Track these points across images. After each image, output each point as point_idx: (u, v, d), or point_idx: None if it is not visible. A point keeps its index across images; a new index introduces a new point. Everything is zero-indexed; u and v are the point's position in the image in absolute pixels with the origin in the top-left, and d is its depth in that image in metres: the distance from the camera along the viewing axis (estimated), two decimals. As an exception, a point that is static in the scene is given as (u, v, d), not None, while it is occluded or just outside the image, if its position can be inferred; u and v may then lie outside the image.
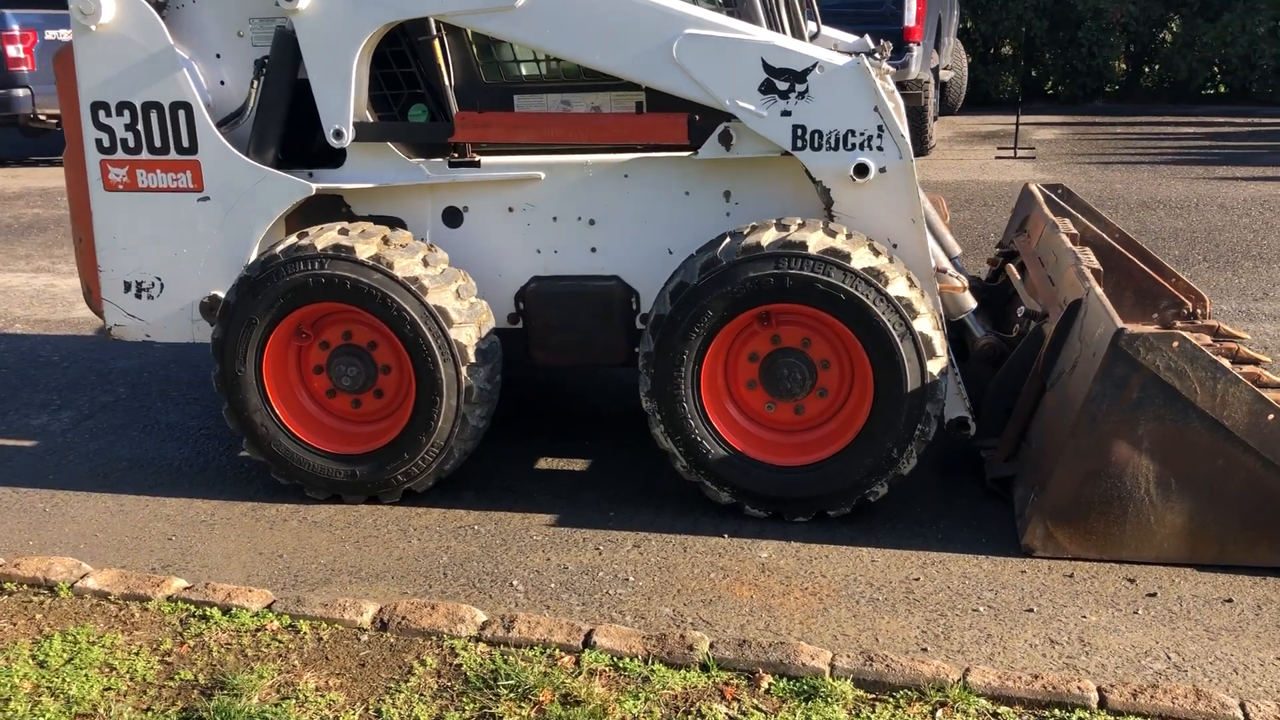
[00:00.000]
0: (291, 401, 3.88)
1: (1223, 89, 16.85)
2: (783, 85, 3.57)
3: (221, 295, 4.01)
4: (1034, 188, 5.22)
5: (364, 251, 3.65)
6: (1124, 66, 16.92)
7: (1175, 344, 3.16)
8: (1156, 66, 16.93)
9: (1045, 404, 3.65)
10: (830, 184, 3.63)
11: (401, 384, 3.85)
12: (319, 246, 3.66)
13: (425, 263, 3.73)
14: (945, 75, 13.07)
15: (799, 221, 3.54)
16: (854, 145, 3.59)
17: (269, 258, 3.71)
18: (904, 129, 3.59)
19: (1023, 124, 11.51)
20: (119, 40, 3.87)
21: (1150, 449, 3.24)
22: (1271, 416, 3.16)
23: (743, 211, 3.81)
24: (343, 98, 3.80)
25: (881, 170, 3.59)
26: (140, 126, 3.95)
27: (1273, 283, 6.31)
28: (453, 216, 3.99)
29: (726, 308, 3.48)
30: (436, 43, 3.83)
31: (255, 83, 3.93)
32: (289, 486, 3.92)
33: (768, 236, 3.45)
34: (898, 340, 3.41)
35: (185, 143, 3.93)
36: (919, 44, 10.08)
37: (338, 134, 3.84)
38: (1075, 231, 4.39)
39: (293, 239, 3.74)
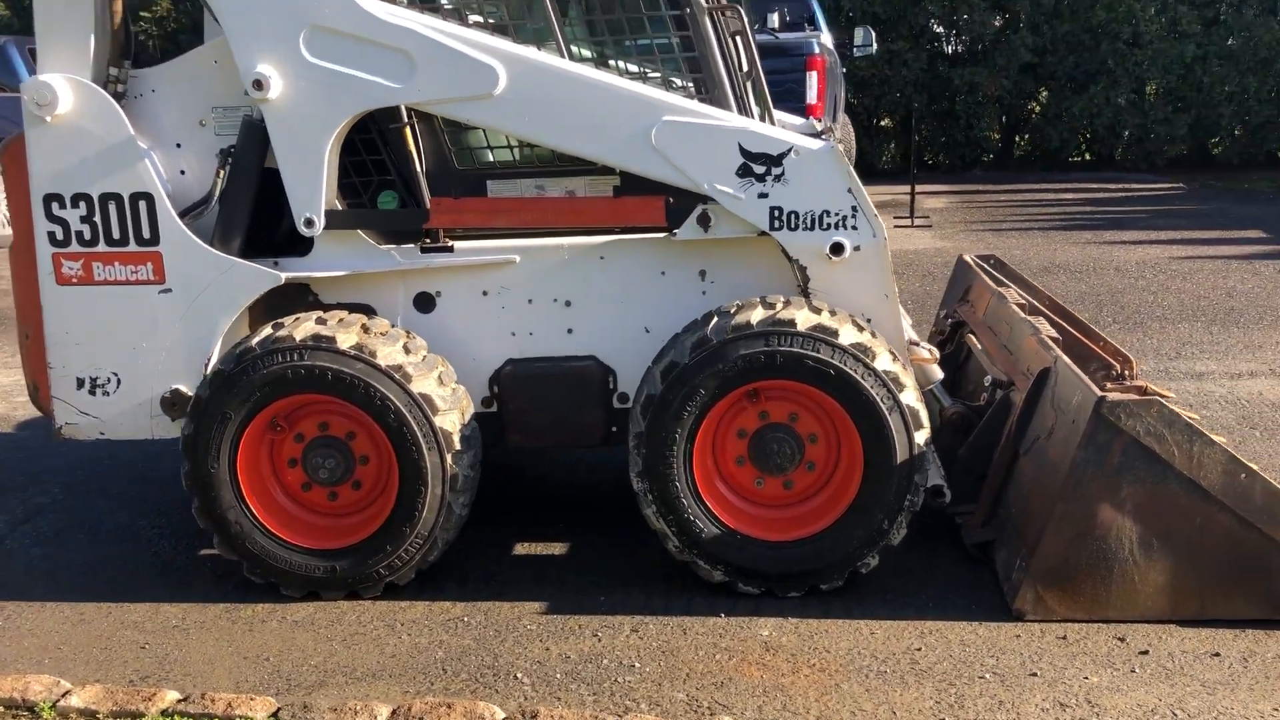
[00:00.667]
0: (265, 497, 3.76)
1: (1088, 156, 17.80)
2: (759, 169, 3.66)
3: (184, 389, 3.89)
4: (969, 258, 5.43)
5: (345, 341, 3.58)
6: (997, 137, 17.75)
7: (1154, 409, 3.31)
8: (1028, 136, 17.80)
9: (1021, 470, 3.77)
10: (807, 263, 3.72)
11: (381, 474, 3.77)
12: (298, 337, 3.58)
13: (406, 350, 3.68)
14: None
15: (783, 299, 3.61)
16: (829, 225, 3.69)
17: (244, 350, 3.61)
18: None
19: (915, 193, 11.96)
20: (75, 131, 3.76)
21: (1133, 511, 3.37)
22: (1244, 475, 3.32)
23: (718, 290, 3.87)
24: (314, 186, 3.75)
25: (856, 249, 3.69)
26: (97, 218, 3.82)
27: (1181, 342, 6.65)
28: (425, 302, 3.95)
29: (718, 386, 3.52)
30: (408, 129, 3.82)
31: (221, 172, 3.85)
32: (262, 585, 3.78)
33: (756, 315, 3.51)
34: (886, 413, 3.49)
35: (146, 234, 3.82)
36: (821, 120, 10.42)
37: (309, 222, 3.78)
38: (1024, 301, 4.58)
39: (268, 330, 3.66)
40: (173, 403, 3.93)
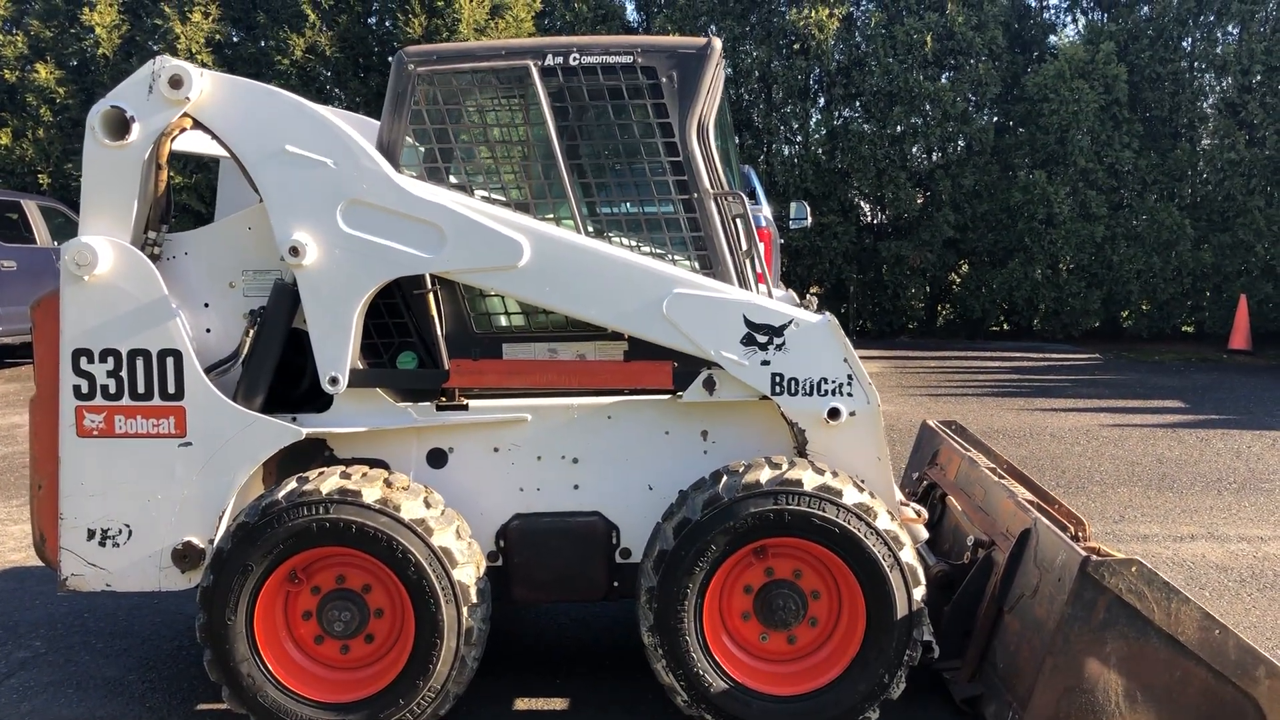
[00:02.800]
0: (278, 650, 3.81)
1: (1007, 326, 18.67)
2: (762, 339, 3.96)
3: (196, 542, 3.97)
4: (933, 424, 5.75)
5: (370, 495, 3.72)
6: (922, 306, 18.58)
7: (1134, 569, 3.57)
8: (950, 306, 18.65)
9: (1007, 626, 3.98)
10: (805, 426, 3.99)
11: (394, 628, 3.86)
12: (324, 491, 3.70)
13: (427, 504, 3.82)
14: (777, 314, 14.02)
15: (788, 460, 3.85)
16: (827, 391, 3.97)
17: (269, 503, 3.72)
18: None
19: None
20: (111, 290, 3.92)
21: (1117, 665, 3.60)
22: (1218, 632, 3.58)
23: (719, 449, 4.10)
24: (341, 347, 3.94)
25: (851, 414, 3.97)
26: (124, 373, 3.95)
27: (1123, 505, 7.01)
28: (437, 457, 4.12)
29: (729, 542, 3.71)
30: (431, 295, 4.05)
31: (250, 330, 4.02)
32: (269, 739, 3.79)
33: (764, 474, 3.73)
34: (887, 570, 3.70)
35: (171, 389, 3.95)
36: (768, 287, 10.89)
37: (333, 380, 3.95)
38: (994, 465, 4.88)
39: (292, 484, 3.78)
40: (184, 555, 3.99)
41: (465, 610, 3.74)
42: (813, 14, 16.58)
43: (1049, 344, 16.73)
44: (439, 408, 4.09)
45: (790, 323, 3.96)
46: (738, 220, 4.21)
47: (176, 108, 3.87)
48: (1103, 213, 16.58)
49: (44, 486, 4.08)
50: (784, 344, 3.95)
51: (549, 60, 4.04)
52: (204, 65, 16.04)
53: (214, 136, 3.96)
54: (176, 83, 3.84)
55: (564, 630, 5.00)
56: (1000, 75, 16.88)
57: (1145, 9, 16.92)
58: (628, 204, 4.18)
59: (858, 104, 17.47)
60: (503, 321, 4.20)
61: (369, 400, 4.05)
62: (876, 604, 3.73)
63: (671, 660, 3.75)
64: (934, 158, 17.60)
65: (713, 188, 4.10)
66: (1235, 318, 16.03)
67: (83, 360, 3.95)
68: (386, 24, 17.29)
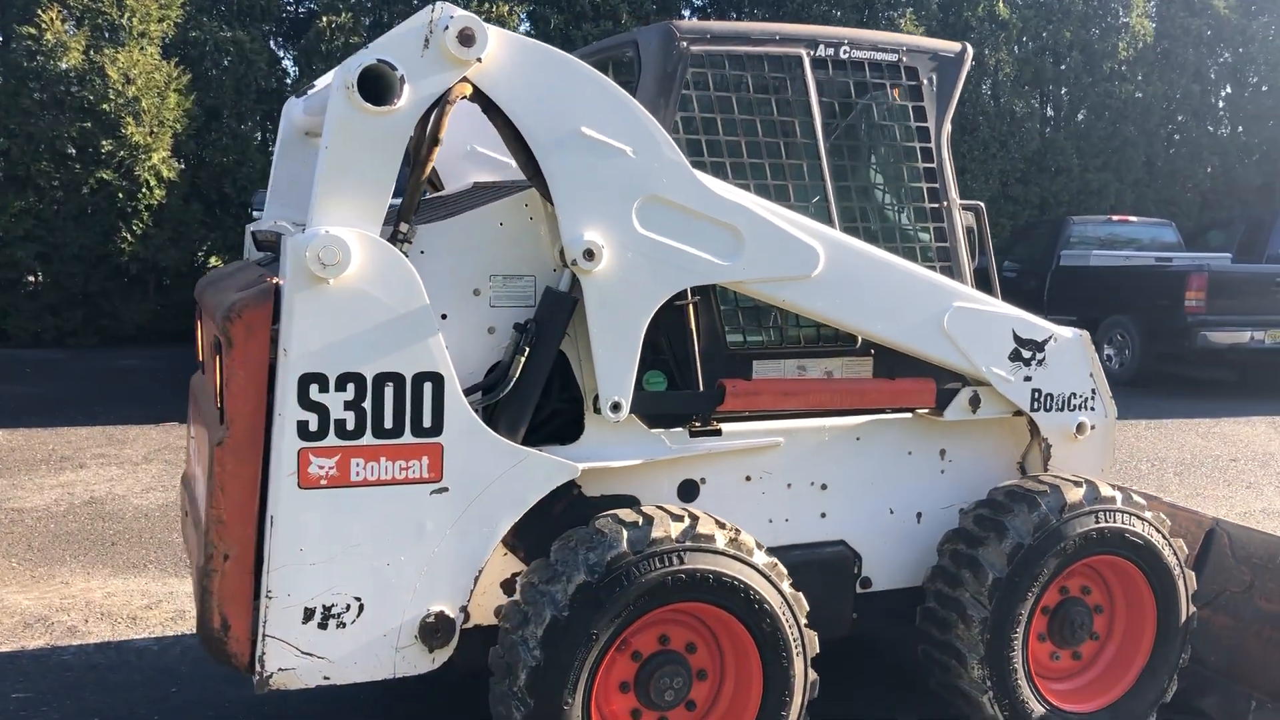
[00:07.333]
0: (599, 733, 3.17)
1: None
2: (1027, 354, 3.90)
3: (448, 612, 3.20)
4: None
5: (720, 539, 3.20)
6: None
7: (1373, 561, 3.97)
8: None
9: (1209, 622, 4.23)
10: (1054, 441, 3.99)
11: (712, 690, 3.35)
12: (674, 535, 3.13)
13: (758, 544, 3.36)
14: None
15: (1071, 477, 3.81)
16: (1075, 406, 4.00)
17: (615, 556, 3.08)
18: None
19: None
20: (359, 297, 3.03)
21: (1355, 649, 3.97)
22: None
23: (955, 468, 3.99)
24: (627, 367, 3.34)
25: (1092, 428, 4.03)
26: (368, 404, 3.07)
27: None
28: (689, 490, 3.63)
29: (1059, 565, 3.62)
30: (690, 308, 3.56)
31: (525, 349, 3.28)
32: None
33: (1081, 491, 3.68)
34: (1178, 579, 3.80)
35: (427, 422, 3.13)
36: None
37: (616, 406, 3.34)
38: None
39: (627, 531, 3.15)
40: (435, 629, 3.20)
41: (809, 663, 3.33)
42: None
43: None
44: (692, 433, 3.60)
45: (1051, 338, 3.93)
46: (969, 231, 4.11)
47: (459, 69, 3.07)
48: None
49: (234, 556, 3.07)
50: (1044, 359, 3.92)
51: (821, 50, 3.72)
52: None
53: (489, 110, 3.19)
54: (468, 39, 3.04)
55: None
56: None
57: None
58: (884, 209, 3.94)
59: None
60: (755, 337, 3.77)
61: (622, 428, 3.48)
62: (1167, 611, 3.81)
63: (1000, 691, 3.59)
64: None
65: (957, 196, 3.98)
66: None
67: (313, 389, 3.02)
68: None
